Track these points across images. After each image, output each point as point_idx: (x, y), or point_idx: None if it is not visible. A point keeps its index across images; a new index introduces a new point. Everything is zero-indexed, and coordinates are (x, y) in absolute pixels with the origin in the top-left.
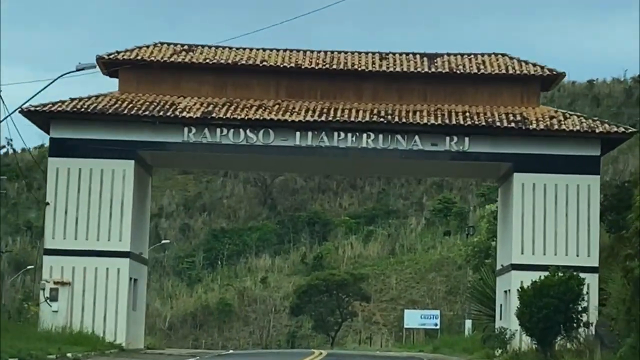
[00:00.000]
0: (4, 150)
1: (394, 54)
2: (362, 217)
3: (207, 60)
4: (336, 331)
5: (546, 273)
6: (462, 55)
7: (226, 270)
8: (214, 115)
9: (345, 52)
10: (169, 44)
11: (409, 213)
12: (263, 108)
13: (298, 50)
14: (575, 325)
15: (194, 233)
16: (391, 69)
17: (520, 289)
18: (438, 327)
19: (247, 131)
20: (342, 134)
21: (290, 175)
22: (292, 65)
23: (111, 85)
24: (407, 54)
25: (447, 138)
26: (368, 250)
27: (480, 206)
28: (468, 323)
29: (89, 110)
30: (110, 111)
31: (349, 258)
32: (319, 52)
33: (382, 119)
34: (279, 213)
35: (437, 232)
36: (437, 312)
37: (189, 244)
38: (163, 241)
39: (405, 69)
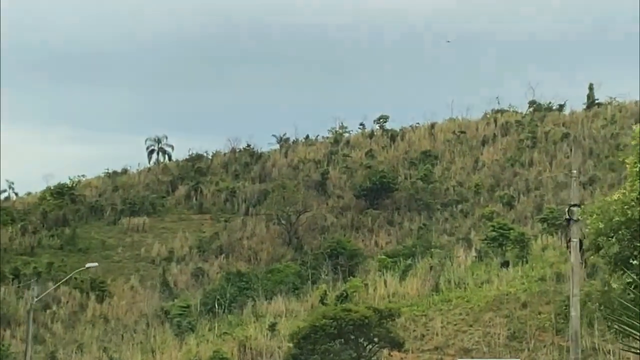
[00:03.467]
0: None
1: None
2: (400, 256)
3: None
4: None
5: None
6: None
7: (229, 317)
8: None
9: None
10: None
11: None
12: None
13: None
14: None
15: (209, 279)
16: None
17: None
18: None
19: None
20: None
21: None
22: None
23: None
24: None
25: None
26: (405, 286)
27: (542, 232)
28: None
29: None
30: None
31: (381, 297)
32: None
33: None
34: (305, 254)
35: (492, 264)
36: None
37: (202, 290)
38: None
39: None
